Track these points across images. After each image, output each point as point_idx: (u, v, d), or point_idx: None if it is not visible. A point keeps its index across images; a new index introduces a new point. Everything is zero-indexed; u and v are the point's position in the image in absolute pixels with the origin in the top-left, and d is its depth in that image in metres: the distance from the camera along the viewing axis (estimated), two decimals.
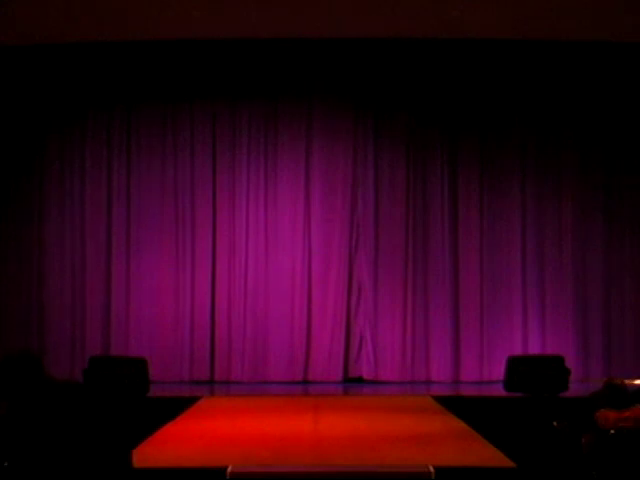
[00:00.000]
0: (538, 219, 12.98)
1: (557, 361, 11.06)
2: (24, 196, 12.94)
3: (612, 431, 4.45)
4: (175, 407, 9.63)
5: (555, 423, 6.93)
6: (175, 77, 12.94)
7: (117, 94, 12.96)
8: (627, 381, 11.38)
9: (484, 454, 7.17)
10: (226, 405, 10.65)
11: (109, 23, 11.68)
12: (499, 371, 11.55)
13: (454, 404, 10.06)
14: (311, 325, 12.87)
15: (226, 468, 6.31)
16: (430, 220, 12.99)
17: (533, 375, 10.78)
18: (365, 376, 12.83)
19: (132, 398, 10.33)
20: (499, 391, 11.04)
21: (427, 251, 12.96)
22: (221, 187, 12.99)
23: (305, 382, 12.73)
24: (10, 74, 12.64)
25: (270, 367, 12.79)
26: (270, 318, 12.85)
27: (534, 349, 12.62)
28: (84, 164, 12.99)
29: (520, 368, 10.91)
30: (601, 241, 12.94)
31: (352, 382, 12.75)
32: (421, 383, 12.69)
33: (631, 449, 4.32)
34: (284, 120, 13.02)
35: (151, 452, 6.97)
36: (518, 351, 12.44)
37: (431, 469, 6.38)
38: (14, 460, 3.90)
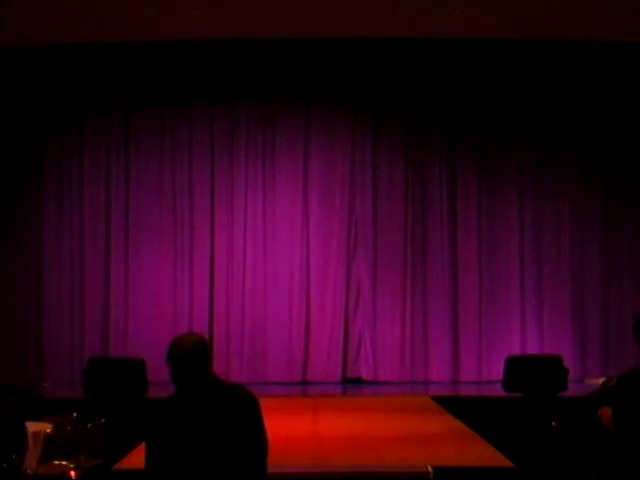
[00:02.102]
0: (536, 220, 12.97)
1: (555, 361, 11.05)
2: (22, 198, 12.91)
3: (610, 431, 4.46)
4: None
5: (554, 423, 6.92)
6: (173, 78, 12.90)
7: (115, 95, 12.93)
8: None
9: (483, 454, 7.18)
10: None
11: (108, 23, 11.66)
12: (498, 371, 11.56)
13: (453, 404, 10.07)
14: (310, 325, 12.86)
15: None
16: (429, 220, 12.98)
17: (532, 375, 10.77)
18: (364, 376, 12.81)
19: (131, 399, 10.32)
20: (498, 391, 11.04)
21: (426, 251, 12.95)
22: (219, 188, 12.97)
23: (304, 383, 12.71)
24: (8, 75, 12.62)
25: (269, 368, 12.77)
26: (269, 318, 12.83)
27: (532, 349, 12.62)
28: (82, 165, 12.96)
29: (519, 368, 10.91)
30: (599, 242, 12.92)
31: (351, 382, 12.73)
32: (420, 383, 12.67)
33: (631, 448, 4.32)
34: (282, 121, 13.01)
35: None
36: (517, 351, 12.43)
37: (430, 469, 6.40)
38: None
